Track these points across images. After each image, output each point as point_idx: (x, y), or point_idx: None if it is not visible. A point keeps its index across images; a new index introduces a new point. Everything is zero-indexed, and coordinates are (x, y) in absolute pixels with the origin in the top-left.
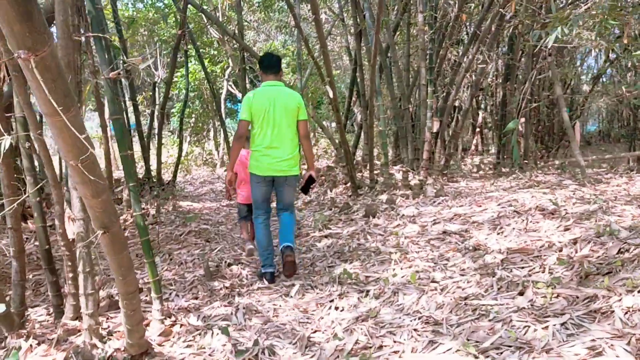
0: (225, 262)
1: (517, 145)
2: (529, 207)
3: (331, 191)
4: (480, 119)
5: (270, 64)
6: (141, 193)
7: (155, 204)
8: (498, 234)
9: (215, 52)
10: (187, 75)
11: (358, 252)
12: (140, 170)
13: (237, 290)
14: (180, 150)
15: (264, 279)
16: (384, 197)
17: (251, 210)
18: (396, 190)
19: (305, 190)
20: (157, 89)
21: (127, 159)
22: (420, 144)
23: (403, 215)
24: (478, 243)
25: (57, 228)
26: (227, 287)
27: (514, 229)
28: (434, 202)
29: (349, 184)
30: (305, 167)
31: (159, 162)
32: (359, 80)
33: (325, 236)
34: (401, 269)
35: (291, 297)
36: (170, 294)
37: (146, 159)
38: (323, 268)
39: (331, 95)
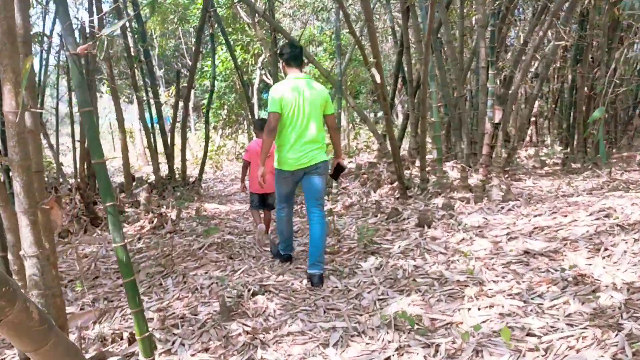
0: (249, 290)
1: (603, 138)
2: (636, 220)
3: (375, 192)
4: (536, 107)
5: (295, 55)
6: (163, 194)
7: (176, 209)
8: (604, 258)
9: (248, 39)
10: (214, 62)
11: (416, 280)
12: (163, 168)
13: (261, 336)
14: (207, 145)
15: (281, 259)
16: (438, 200)
17: (263, 200)
18: (453, 192)
19: (335, 177)
20: (179, 77)
21: (101, 170)
22: (477, 136)
23: (466, 225)
24: (579, 272)
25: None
26: (247, 333)
27: (625, 252)
28: (502, 208)
29: (395, 184)
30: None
31: (184, 159)
32: (405, 64)
33: (372, 253)
34: (479, 308)
35: (332, 347)
36: (173, 342)
37: (169, 155)
38: (372, 302)
39: (377, 79)
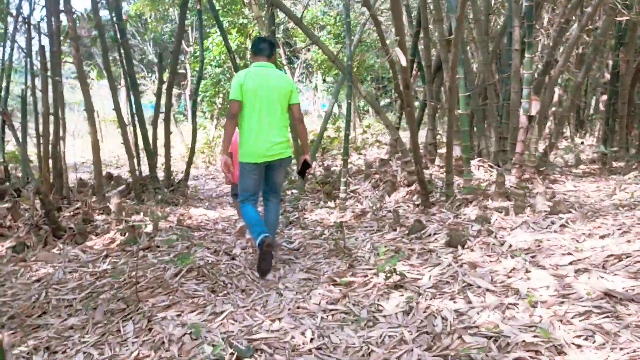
0: (232, 351)
1: None
2: None
3: (389, 196)
4: (556, 96)
5: (263, 47)
6: (142, 197)
7: (152, 220)
8: None
9: (245, 21)
10: (202, 44)
11: (464, 339)
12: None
13: None
14: (194, 139)
15: (262, 245)
16: (469, 210)
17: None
18: (486, 200)
19: (302, 174)
20: (162, 60)
21: None
22: (508, 131)
23: (511, 247)
24: None
25: None
26: None
27: None
28: (552, 223)
29: (414, 187)
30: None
31: (167, 156)
32: (422, 47)
33: (396, 286)
34: None
35: None
36: None
37: (149, 152)
38: None
39: (403, 62)
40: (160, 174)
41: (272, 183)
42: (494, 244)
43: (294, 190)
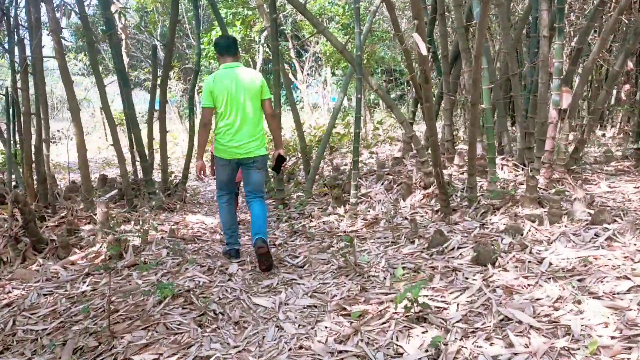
0: None
1: None
2: None
3: (404, 200)
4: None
5: (227, 45)
6: (134, 203)
7: (141, 230)
8: None
9: (249, 12)
10: (198, 35)
11: None
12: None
13: None
14: (192, 139)
15: (230, 256)
16: (497, 219)
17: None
18: (515, 206)
19: (277, 169)
20: (156, 54)
21: None
22: (534, 126)
23: (551, 265)
24: None
25: None
26: None
27: None
28: (596, 236)
29: (431, 189)
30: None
31: (164, 157)
32: (438, 35)
33: (418, 318)
34: None
35: None
36: None
37: (141, 153)
38: None
39: (422, 50)
40: (159, 177)
41: (252, 182)
42: (530, 262)
43: (300, 194)
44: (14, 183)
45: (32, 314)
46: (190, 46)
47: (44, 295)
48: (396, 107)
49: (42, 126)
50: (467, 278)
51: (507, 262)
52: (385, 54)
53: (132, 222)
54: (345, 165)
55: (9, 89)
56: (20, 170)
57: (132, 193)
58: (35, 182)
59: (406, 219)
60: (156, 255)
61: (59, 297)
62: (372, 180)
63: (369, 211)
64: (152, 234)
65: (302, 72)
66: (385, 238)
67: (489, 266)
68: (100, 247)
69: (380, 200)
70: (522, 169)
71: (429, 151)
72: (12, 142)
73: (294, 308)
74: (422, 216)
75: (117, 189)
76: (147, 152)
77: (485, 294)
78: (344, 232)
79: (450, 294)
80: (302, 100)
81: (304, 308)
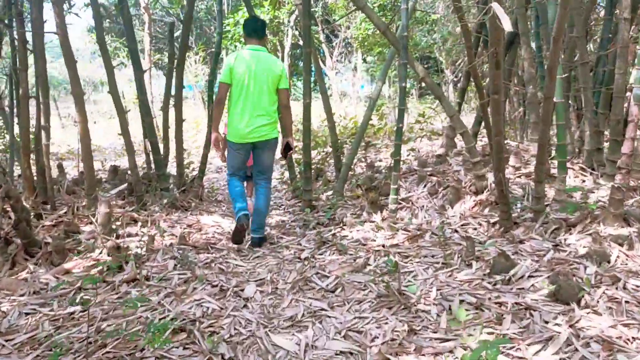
0: None
1: None
2: None
3: (452, 207)
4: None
5: (255, 29)
6: (144, 200)
7: (148, 234)
8: None
9: None
10: (220, 14)
11: None
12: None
13: None
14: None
15: (237, 222)
16: (574, 239)
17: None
18: (595, 222)
19: (284, 155)
20: (173, 33)
21: None
22: (606, 124)
23: None
24: None
25: None
26: None
27: None
28: None
29: (484, 195)
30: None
31: (179, 149)
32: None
33: None
34: None
35: None
36: None
37: (154, 145)
38: None
39: (506, 25)
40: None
41: (261, 164)
42: (627, 302)
43: (329, 194)
44: (18, 173)
45: (7, 340)
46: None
47: (26, 314)
48: (445, 99)
49: (41, 111)
50: (546, 322)
51: (597, 301)
52: (421, 40)
53: (140, 224)
54: (380, 161)
55: (10, 68)
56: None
57: (142, 189)
58: (35, 174)
59: (456, 231)
60: (161, 268)
61: (43, 319)
62: (412, 182)
63: (410, 220)
64: (160, 239)
65: (332, 58)
66: (433, 257)
67: (574, 305)
68: (100, 253)
69: (423, 207)
70: (591, 174)
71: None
72: (14, 126)
73: (324, 355)
74: (475, 229)
75: (128, 182)
76: (162, 143)
77: (577, 349)
78: (383, 246)
79: (529, 346)
80: (330, 87)
81: (336, 354)
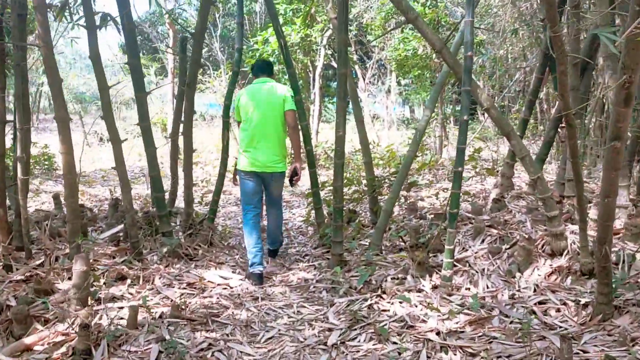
0: None
1: None
2: None
3: (522, 273)
4: None
5: (262, 67)
6: (139, 249)
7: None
8: None
9: (314, 7)
10: (240, 27)
11: None
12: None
13: None
14: (225, 157)
15: (251, 280)
16: None
17: None
18: None
19: (290, 182)
20: (185, 46)
21: None
22: None
23: None
24: None
25: None
26: None
27: None
28: None
29: (564, 260)
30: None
31: (188, 184)
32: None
33: None
34: None
35: None
36: None
37: (155, 180)
38: None
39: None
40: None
41: (270, 194)
42: None
43: (365, 243)
44: None
45: None
46: (250, 48)
47: None
48: (516, 136)
49: (18, 139)
50: None
51: None
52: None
53: (129, 281)
54: (422, 200)
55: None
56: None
57: (137, 234)
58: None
59: (533, 312)
60: (141, 356)
61: None
62: (467, 234)
63: (467, 287)
64: (145, 311)
65: (364, 80)
66: (509, 358)
67: None
68: (72, 325)
69: (484, 271)
70: None
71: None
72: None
73: None
74: (558, 310)
75: (122, 224)
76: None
77: None
78: (437, 333)
79: None
80: (362, 110)
81: None
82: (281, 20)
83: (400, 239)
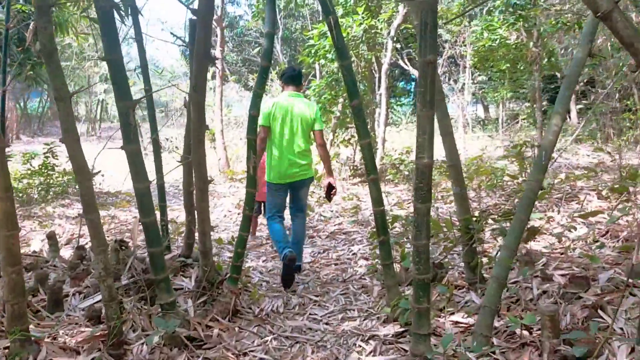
0: None
1: None
2: None
3: None
4: None
5: (293, 76)
6: (121, 337)
7: None
8: None
9: None
10: (272, 4)
11: None
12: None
13: None
14: (252, 192)
15: (285, 259)
16: None
17: (260, 207)
18: None
19: (328, 197)
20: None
21: None
22: None
23: None
24: None
25: None
26: None
27: None
28: None
29: None
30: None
31: (204, 227)
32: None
33: None
34: None
35: None
36: None
37: (148, 226)
38: None
39: None
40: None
41: (297, 201)
42: None
43: (461, 324)
44: None
45: None
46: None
47: None
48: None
49: None
50: None
51: None
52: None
53: None
54: (544, 247)
55: None
56: None
57: (115, 313)
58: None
59: None
60: None
61: None
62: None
63: None
64: None
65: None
66: None
67: None
68: None
69: None
70: None
71: None
72: None
73: None
74: None
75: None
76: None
77: None
78: None
79: None
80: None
81: None
82: (340, 12)
83: (525, 329)
